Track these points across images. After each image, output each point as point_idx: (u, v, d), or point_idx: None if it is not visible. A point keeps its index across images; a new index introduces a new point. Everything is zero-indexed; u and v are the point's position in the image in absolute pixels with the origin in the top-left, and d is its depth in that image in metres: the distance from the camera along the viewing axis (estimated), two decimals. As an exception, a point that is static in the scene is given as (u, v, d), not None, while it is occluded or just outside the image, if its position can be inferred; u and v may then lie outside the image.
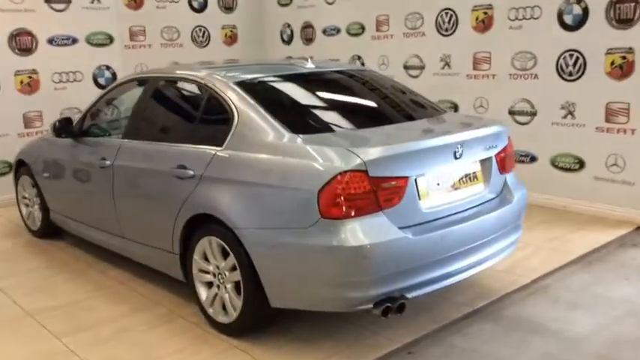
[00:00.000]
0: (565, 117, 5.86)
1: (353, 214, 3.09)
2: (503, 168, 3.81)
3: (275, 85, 4.01)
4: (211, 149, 3.64)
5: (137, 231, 4.30)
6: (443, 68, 6.83)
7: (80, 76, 7.37)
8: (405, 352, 3.46)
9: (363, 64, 7.50)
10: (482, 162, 3.69)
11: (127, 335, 3.75)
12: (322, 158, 3.16)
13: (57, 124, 4.88)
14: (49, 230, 5.52)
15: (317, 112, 3.88)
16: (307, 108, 3.87)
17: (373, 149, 3.19)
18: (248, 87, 3.77)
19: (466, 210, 3.55)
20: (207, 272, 3.69)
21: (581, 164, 5.85)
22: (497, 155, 3.75)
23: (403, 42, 7.18)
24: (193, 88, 4.10)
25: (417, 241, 3.21)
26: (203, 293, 3.74)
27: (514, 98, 6.23)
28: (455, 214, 3.49)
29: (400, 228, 3.20)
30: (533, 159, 6.20)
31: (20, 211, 5.89)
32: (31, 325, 3.94)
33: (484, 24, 6.34)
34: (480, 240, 3.55)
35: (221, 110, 3.71)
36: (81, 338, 3.72)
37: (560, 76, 5.83)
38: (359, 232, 3.08)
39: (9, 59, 6.80)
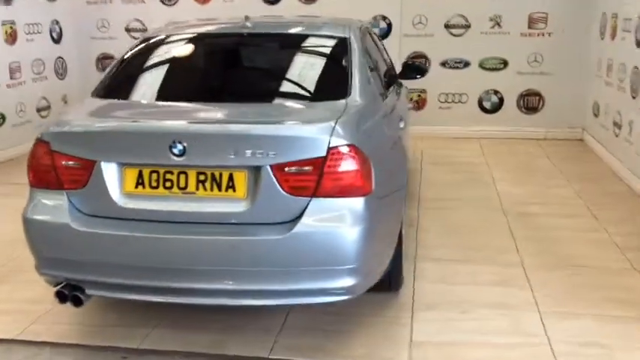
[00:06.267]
0: None
1: (37, 185, 2.98)
2: (291, 188, 2.73)
3: (172, 44, 3.72)
4: None
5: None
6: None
7: (356, 24, 7.62)
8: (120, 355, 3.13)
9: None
10: (252, 171, 2.76)
11: None
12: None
13: None
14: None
15: (153, 77, 3.49)
16: (150, 72, 3.53)
17: (64, 122, 2.93)
18: (150, 43, 3.71)
19: (197, 223, 2.81)
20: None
21: None
22: (274, 167, 2.72)
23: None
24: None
25: (86, 235, 2.83)
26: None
27: None
28: (172, 222, 2.82)
29: (91, 216, 2.89)
30: None
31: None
32: None
33: None
34: (208, 265, 2.78)
35: None
36: None
37: None
38: (32, 204, 2.96)
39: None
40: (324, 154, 2.69)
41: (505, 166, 6.39)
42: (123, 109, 3.17)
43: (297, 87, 3.34)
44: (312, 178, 2.70)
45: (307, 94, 3.24)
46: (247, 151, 2.69)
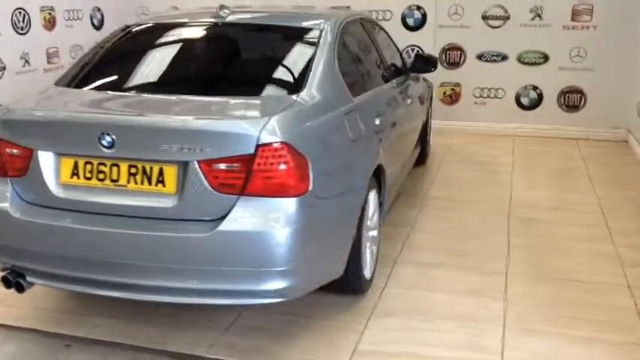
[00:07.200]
0: None
1: (-12, 172, 3.03)
2: (219, 184, 2.66)
3: (140, 36, 3.69)
4: None
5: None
6: None
7: (390, 15, 7.44)
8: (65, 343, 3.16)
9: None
10: (181, 166, 2.70)
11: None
12: None
13: None
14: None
15: (112, 67, 3.48)
16: (110, 62, 3.51)
17: (11, 110, 2.97)
18: (120, 35, 3.72)
19: (127, 216, 2.77)
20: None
21: None
22: (201, 162, 2.65)
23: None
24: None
25: (23, 223, 2.86)
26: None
27: None
28: (104, 214, 2.80)
29: (31, 204, 2.92)
30: None
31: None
32: None
33: None
34: (135, 260, 2.74)
35: None
36: None
37: None
38: (-21, 190, 3.01)
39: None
40: (252, 151, 2.59)
41: (531, 167, 6.06)
42: (70, 99, 3.17)
43: (250, 80, 3.24)
44: (240, 176, 2.61)
45: (258, 88, 3.12)
46: (175, 146, 2.63)
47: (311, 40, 3.37)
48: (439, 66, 7.21)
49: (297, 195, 2.66)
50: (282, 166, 2.61)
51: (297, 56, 3.29)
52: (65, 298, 3.49)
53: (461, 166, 6.15)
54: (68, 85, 3.28)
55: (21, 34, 6.83)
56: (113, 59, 3.51)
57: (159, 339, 3.10)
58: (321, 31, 3.42)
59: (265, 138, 2.59)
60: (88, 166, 2.77)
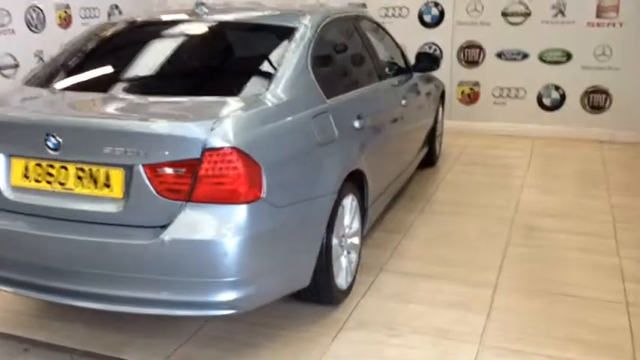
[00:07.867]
0: None
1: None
2: (164, 190, 2.53)
3: (113, 35, 3.58)
4: None
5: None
6: None
7: (406, 11, 7.23)
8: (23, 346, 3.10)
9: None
10: (127, 169, 2.59)
11: None
12: None
13: None
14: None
15: (76, 67, 3.38)
16: (76, 62, 3.41)
17: None
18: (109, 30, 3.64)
19: (72, 221, 2.68)
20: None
21: None
22: (146, 167, 2.53)
23: None
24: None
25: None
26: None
27: None
28: (51, 218, 2.71)
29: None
30: None
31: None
32: None
33: None
34: (79, 266, 2.65)
35: None
36: None
37: None
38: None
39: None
40: (198, 155, 2.46)
41: (546, 171, 5.77)
42: (29, 99, 3.09)
43: (214, 80, 3.09)
44: (186, 182, 2.49)
45: (221, 88, 2.96)
46: (118, 149, 2.51)
47: (285, 39, 3.21)
48: (458, 65, 7.00)
49: (248, 202, 2.51)
50: (232, 172, 2.48)
51: (267, 55, 3.14)
52: (30, 300, 3.41)
53: (472, 168, 5.90)
54: (35, 85, 3.21)
55: (35, 32, 6.86)
56: (81, 59, 3.42)
57: (119, 346, 3.00)
58: (297, 30, 3.26)
59: (212, 142, 2.46)
60: (38, 169, 2.69)
